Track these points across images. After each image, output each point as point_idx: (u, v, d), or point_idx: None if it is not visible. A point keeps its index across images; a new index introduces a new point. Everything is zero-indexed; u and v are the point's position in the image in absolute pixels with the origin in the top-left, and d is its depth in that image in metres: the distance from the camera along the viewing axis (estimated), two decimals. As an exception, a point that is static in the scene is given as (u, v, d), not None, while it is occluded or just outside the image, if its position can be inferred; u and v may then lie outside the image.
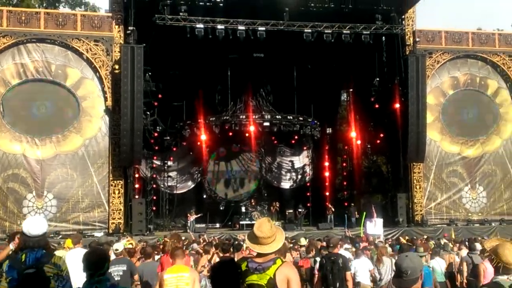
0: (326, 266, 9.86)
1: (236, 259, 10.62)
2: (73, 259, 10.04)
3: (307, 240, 16.63)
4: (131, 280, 8.77)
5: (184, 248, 11.26)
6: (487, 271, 9.97)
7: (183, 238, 14.11)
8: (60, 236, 21.01)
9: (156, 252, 11.94)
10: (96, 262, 4.47)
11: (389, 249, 13.62)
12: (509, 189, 27.94)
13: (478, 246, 12.03)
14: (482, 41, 28.01)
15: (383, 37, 26.56)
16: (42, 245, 5.15)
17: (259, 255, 4.76)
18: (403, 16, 26.40)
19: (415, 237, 20.11)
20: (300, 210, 28.18)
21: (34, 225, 5.20)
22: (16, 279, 4.89)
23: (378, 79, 27.40)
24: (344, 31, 24.72)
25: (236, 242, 13.74)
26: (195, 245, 15.53)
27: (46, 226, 5.28)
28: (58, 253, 6.72)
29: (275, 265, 4.64)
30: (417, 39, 26.17)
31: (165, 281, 6.96)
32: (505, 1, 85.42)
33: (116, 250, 9.25)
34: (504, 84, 28.32)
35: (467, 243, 14.46)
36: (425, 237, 20.65)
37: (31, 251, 5.00)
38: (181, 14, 23.15)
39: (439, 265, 12.11)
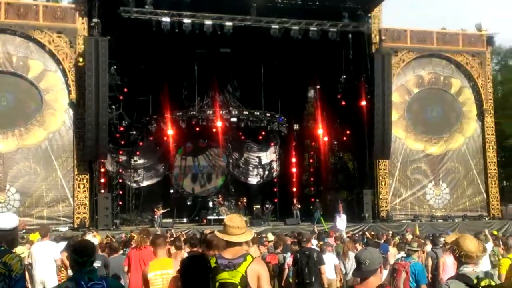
0: (301, 260, 9.89)
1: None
2: (41, 251, 9.85)
3: (275, 235, 16.63)
4: (106, 274, 8.72)
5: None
6: (446, 264, 10.19)
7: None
8: (24, 231, 20.49)
9: (121, 247, 11.76)
10: (89, 250, 4.37)
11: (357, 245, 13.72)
12: (471, 186, 28.53)
13: (441, 241, 12.21)
14: (446, 41, 28.51)
15: (350, 35, 26.71)
16: (7, 240, 4.96)
17: (228, 249, 4.73)
18: (369, 14, 26.57)
19: (380, 233, 20.32)
20: (267, 206, 28.23)
21: (3, 218, 5.02)
22: None
23: (344, 76, 27.64)
24: (311, 28, 24.78)
25: (208, 237, 13.64)
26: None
27: (17, 221, 5.07)
28: (18, 249, 6.49)
29: (246, 262, 4.60)
30: (383, 38, 26.47)
31: (151, 281, 6.51)
32: (469, 1, 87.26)
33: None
34: (467, 83, 28.87)
35: (431, 238, 14.67)
36: (390, 232, 20.89)
37: None
38: (146, 7, 22.85)
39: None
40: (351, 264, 11.30)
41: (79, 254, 4.30)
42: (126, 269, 8.53)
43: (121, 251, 10.81)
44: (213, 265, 4.54)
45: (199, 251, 10.33)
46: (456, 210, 28.04)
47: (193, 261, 4.07)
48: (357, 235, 18.42)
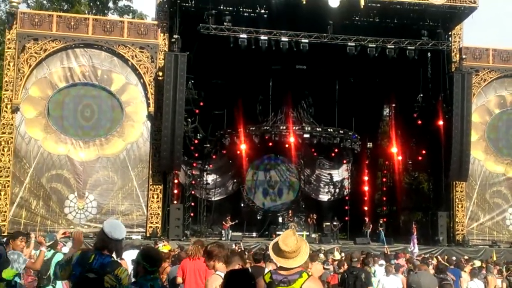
0: (348, 281, 9.71)
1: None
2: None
3: (342, 254, 16.42)
4: None
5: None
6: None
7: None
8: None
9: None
10: (156, 258, 4.52)
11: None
12: (554, 212, 26.98)
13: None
14: (531, 60, 27.30)
15: (429, 53, 26.31)
16: (117, 250, 5.05)
17: (283, 267, 4.70)
18: (449, 33, 26.01)
19: (453, 257, 19.58)
20: (335, 223, 27.92)
21: (118, 228, 5.06)
22: (77, 276, 4.77)
23: (421, 95, 27.12)
24: (389, 46, 24.53)
25: (208, 248, 13.66)
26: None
27: (124, 234, 5.14)
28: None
29: (301, 278, 4.59)
30: (464, 56, 25.70)
31: None
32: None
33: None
34: (551, 105, 27.46)
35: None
36: (466, 257, 20.13)
37: (100, 255, 4.86)
38: (225, 24, 23.47)
39: (477, 286, 11.78)
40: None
41: (150, 262, 4.46)
42: (179, 280, 8.57)
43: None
44: (267, 280, 4.57)
45: (263, 266, 10.42)
46: (539, 237, 26.59)
47: (236, 276, 4.08)
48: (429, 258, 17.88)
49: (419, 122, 27.48)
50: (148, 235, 23.27)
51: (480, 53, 26.85)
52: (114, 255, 4.94)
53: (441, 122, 25.57)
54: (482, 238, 26.38)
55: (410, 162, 29.81)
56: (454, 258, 18.73)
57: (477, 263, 15.45)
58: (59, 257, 7.83)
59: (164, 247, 16.08)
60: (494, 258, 20.85)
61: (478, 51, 26.89)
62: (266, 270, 10.64)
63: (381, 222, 27.98)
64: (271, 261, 12.36)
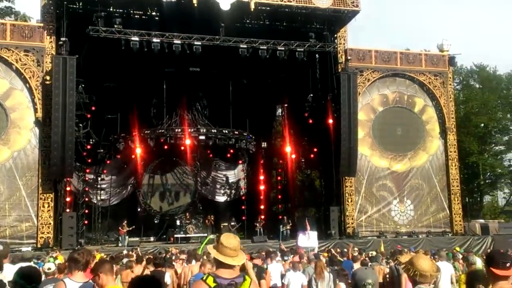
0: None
1: (166, 272, 10.61)
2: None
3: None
4: None
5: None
6: (408, 281, 10.41)
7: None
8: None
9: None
10: (33, 275, 4.42)
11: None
12: (435, 202, 29.14)
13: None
14: (410, 61, 29.28)
15: (317, 55, 27.38)
16: None
17: (222, 269, 4.67)
18: (335, 35, 27.23)
19: (345, 250, 20.56)
20: (232, 223, 28.28)
21: None
22: None
23: (311, 95, 28.13)
24: (279, 48, 25.24)
25: (168, 256, 13.67)
26: (125, 260, 15.25)
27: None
28: None
29: (246, 281, 4.65)
30: (349, 58, 27.02)
31: None
32: (432, 23, 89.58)
33: (49, 269, 8.93)
34: (430, 102, 29.62)
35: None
36: (356, 249, 21.13)
37: None
38: (115, 26, 22.99)
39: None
40: (326, 284, 10.93)
41: (28, 280, 4.38)
42: None
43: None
44: (212, 285, 4.53)
45: (163, 270, 10.42)
46: (420, 226, 28.58)
47: (141, 283, 4.08)
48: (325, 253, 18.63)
49: (310, 121, 28.48)
50: (39, 245, 22.27)
51: (363, 54, 28.36)
52: None
53: (330, 121, 26.69)
54: (370, 230, 27.87)
55: (303, 160, 30.86)
56: (345, 250, 19.71)
57: (370, 254, 16.33)
58: None
59: (54, 257, 15.52)
60: (382, 249, 22.07)
61: (362, 52, 28.38)
62: (167, 275, 10.69)
63: (284, 220, 28.28)
64: (170, 266, 12.42)
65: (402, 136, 29.08)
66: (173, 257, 16.05)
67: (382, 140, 28.65)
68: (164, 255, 17.62)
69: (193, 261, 12.67)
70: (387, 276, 12.28)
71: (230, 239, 4.75)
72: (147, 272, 10.67)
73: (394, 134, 28.99)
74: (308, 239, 23.34)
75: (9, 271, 9.29)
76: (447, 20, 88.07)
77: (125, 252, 19.42)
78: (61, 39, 22.54)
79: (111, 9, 23.47)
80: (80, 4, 23.69)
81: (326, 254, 17.54)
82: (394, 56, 29.08)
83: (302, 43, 25.59)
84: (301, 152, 30.50)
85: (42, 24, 23.85)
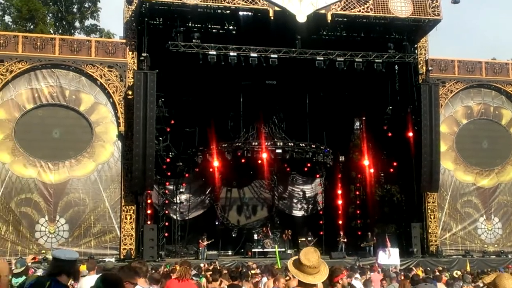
0: None
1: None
2: (88, 286, 9.92)
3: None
4: None
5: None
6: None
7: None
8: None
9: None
10: (115, 282, 4.40)
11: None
12: (524, 220, 27.47)
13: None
14: (496, 71, 27.93)
15: (396, 66, 26.72)
16: (73, 272, 5.02)
17: (301, 285, 4.50)
18: (415, 45, 26.47)
19: (428, 268, 19.70)
20: (310, 238, 27.86)
21: (67, 251, 5.18)
22: None
23: (391, 107, 27.40)
24: (357, 59, 24.79)
25: (244, 270, 13.55)
26: (193, 272, 15.25)
27: (77, 255, 5.23)
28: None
29: None
30: (430, 68, 26.12)
31: None
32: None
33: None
34: (519, 113, 28.09)
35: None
36: (440, 268, 20.23)
37: (56, 282, 4.77)
38: (194, 41, 23.44)
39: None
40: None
41: (109, 286, 4.33)
42: None
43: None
44: None
45: (239, 284, 10.29)
46: (509, 245, 26.99)
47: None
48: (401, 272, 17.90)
49: (390, 134, 27.69)
50: (122, 257, 22.85)
51: (446, 65, 27.34)
52: (71, 281, 4.87)
53: (410, 134, 25.84)
54: (455, 248, 26.63)
55: (382, 174, 30.00)
56: (428, 269, 18.88)
57: (455, 274, 15.54)
58: None
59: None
60: (468, 268, 21.02)
61: (443, 62, 27.37)
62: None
63: (369, 236, 27.55)
64: (247, 280, 12.29)
65: (489, 150, 27.71)
66: (251, 271, 15.92)
67: (467, 154, 27.40)
68: (241, 269, 17.54)
69: (269, 276, 12.47)
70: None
71: (309, 255, 4.49)
72: (223, 286, 10.60)
73: (479, 148, 27.68)
74: (389, 256, 22.75)
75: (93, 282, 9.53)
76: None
77: (202, 265, 19.49)
78: (142, 54, 23.23)
79: (189, 24, 23.95)
80: (161, 20, 24.40)
81: (421, 270, 16.72)
82: (478, 66, 27.84)
83: (381, 54, 25.03)
84: (380, 166, 29.67)
85: (124, 40, 24.72)
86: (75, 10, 39.94)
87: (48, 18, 39.24)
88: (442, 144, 25.96)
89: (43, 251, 22.00)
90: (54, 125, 23.68)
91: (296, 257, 4.58)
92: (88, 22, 40.04)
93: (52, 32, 35.90)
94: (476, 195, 27.33)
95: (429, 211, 26.26)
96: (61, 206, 23.33)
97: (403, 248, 25.34)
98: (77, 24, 39.99)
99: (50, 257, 5.28)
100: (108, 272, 6.80)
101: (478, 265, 23.37)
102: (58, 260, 4.93)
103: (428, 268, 19.61)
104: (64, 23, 39.21)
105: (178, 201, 28.55)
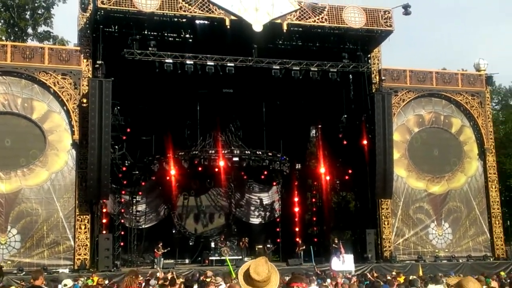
0: None
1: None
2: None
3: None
4: None
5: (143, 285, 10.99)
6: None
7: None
8: (23, 273, 20.55)
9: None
10: None
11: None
12: (473, 225, 28.29)
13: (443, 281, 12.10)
14: (446, 81, 28.79)
15: (350, 75, 27.25)
16: None
17: None
18: (369, 55, 27.05)
19: (382, 273, 20.11)
20: (268, 245, 28.02)
21: None
22: None
23: (345, 115, 27.88)
24: (312, 68, 25.17)
25: (201, 278, 13.53)
26: (152, 281, 15.22)
27: None
28: None
29: None
30: (383, 78, 26.70)
31: None
32: (468, 43, 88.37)
33: (65, 286, 8.86)
34: (468, 122, 28.99)
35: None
36: (394, 273, 20.65)
37: None
38: (150, 49, 23.32)
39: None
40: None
41: None
42: None
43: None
44: None
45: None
46: (460, 250, 27.75)
47: None
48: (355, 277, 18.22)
49: (345, 142, 28.14)
50: (76, 267, 22.44)
51: (398, 74, 28.02)
52: None
53: (365, 142, 26.34)
54: (408, 253, 27.20)
55: (337, 181, 30.47)
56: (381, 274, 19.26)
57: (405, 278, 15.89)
58: None
59: (90, 279, 15.55)
60: (421, 273, 21.47)
61: (396, 72, 28.03)
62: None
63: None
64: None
65: (439, 158, 28.47)
66: (208, 280, 15.91)
67: (419, 161, 28.08)
68: (197, 278, 17.49)
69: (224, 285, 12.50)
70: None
71: (258, 268, 4.37)
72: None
73: (431, 155, 28.40)
74: (343, 262, 23.11)
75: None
76: (484, 40, 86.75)
77: (158, 274, 19.34)
78: (97, 62, 22.97)
79: (145, 32, 23.83)
80: (116, 27, 24.17)
81: (402, 278, 16.84)
82: (429, 76, 28.63)
83: (335, 64, 25.48)
84: (335, 173, 30.11)
85: (79, 48, 24.37)
86: (27, 16, 39.06)
87: (0, 24, 38.30)
88: (395, 152, 26.53)
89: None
90: (5, 134, 23.14)
91: (247, 267, 4.48)
92: (41, 28, 39.28)
93: (4, 38, 35.02)
94: (427, 201, 27.99)
95: (383, 218, 26.77)
96: (13, 216, 22.75)
97: (358, 254, 25.74)
98: (30, 30, 39.14)
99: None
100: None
101: (430, 270, 23.89)
102: None
103: (382, 273, 20.02)
104: (17, 29, 38.32)
105: (134, 210, 28.25)
